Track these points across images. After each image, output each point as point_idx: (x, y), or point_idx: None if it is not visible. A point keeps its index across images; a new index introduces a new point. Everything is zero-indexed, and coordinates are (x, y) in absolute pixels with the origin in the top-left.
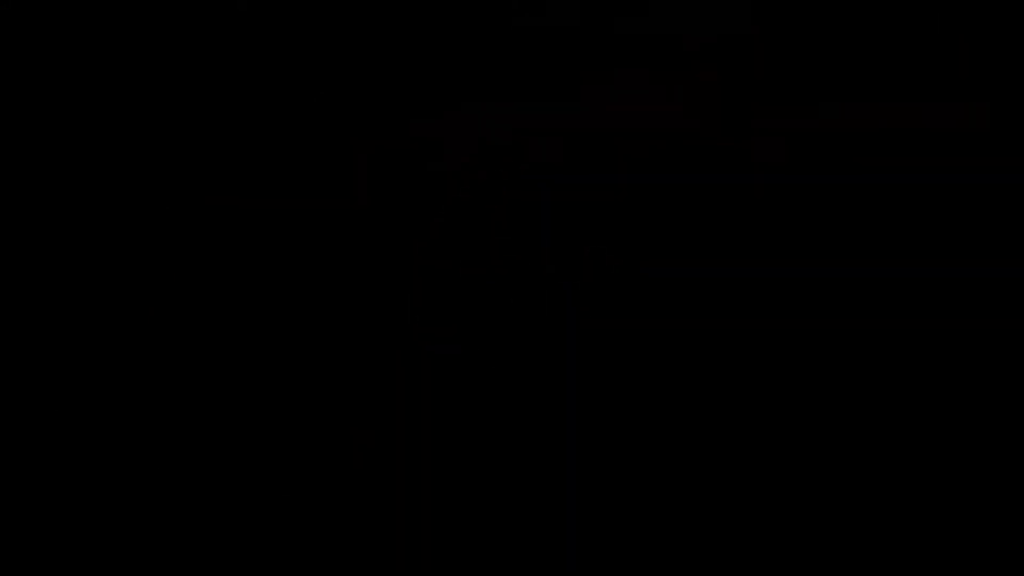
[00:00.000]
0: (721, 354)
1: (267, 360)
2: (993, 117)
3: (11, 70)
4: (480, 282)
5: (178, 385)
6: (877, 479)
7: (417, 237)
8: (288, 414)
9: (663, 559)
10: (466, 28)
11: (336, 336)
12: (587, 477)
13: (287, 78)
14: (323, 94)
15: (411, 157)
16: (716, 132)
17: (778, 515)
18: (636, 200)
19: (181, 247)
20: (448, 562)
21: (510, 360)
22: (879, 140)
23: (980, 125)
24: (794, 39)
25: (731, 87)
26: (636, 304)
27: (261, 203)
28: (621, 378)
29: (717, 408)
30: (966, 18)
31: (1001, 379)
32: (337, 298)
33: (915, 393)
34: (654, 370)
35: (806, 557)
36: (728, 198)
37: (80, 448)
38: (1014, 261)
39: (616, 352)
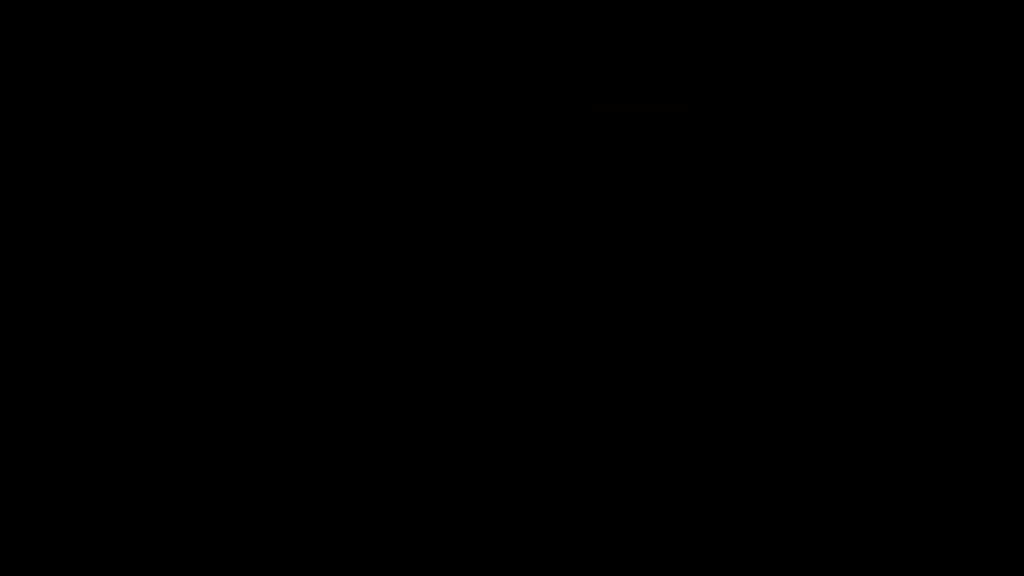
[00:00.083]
0: (721, 354)
1: (267, 360)
2: (993, 117)
3: (11, 70)
4: (480, 282)
5: (178, 385)
6: (877, 479)
7: (417, 237)
8: (288, 414)
9: (663, 559)
10: (466, 28)
11: (336, 336)
12: (587, 477)
13: (287, 78)
14: (323, 94)
15: (411, 157)
16: (716, 132)
17: (778, 515)
18: (636, 200)
19: (181, 247)
20: (448, 562)
21: (510, 360)
22: (879, 140)
23: (980, 125)
24: (794, 39)
25: (731, 87)
26: (636, 304)
27: (261, 203)
28: (621, 378)
29: (717, 408)
30: (966, 18)
31: (1001, 379)
32: (337, 298)
33: (915, 393)
34: (654, 370)
35: (806, 557)
36: (728, 198)
37: (80, 448)
38: (1014, 261)
39: (616, 352)
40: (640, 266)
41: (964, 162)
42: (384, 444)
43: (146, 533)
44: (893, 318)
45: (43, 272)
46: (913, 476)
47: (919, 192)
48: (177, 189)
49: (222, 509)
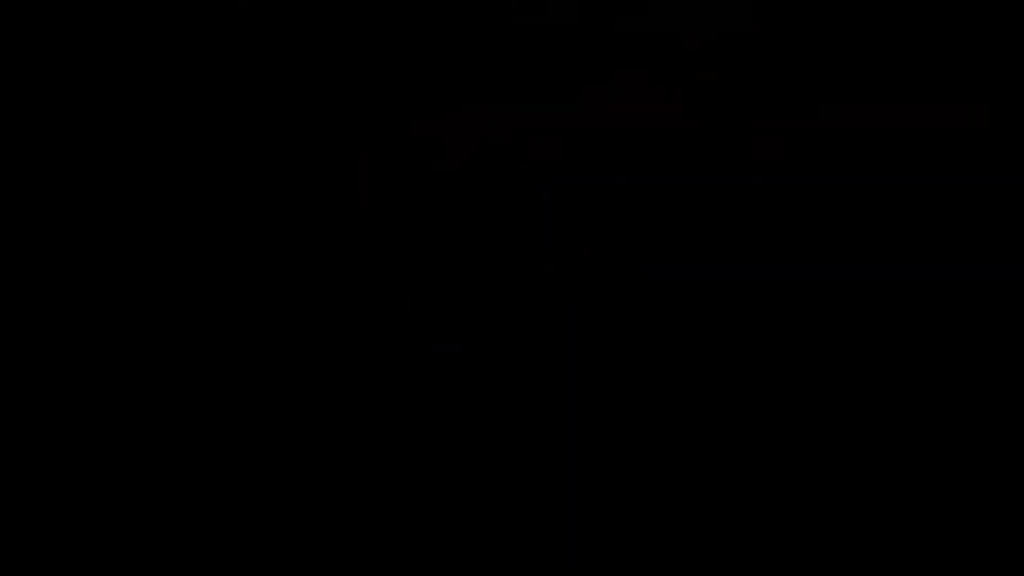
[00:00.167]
0: (721, 354)
1: (267, 360)
2: (993, 117)
3: (11, 70)
4: (480, 282)
5: (178, 385)
6: (877, 479)
7: (417, 237)
8: (289, 414)
9: (663, 559)
10: (466, 28)
11: (336, 336)
12: (587, 477)
13: (287, 78)
14: (323, 94)
15: (411, 157)
16: (716, 132)
17: (778, 515)
18: (636, 200)
19: (181, 247)
20: (448, 562)
21: (510, 360)
22: (879, 140)
23: (980, 125)
24: (794, 39)
25: (731, 87)
26: (636, 304)
27: (261, 203)
28: (621, 378)
29: (717, 408)
30: (966, 18)
31: (1001, 379)
32: (337, 298)
33: (915, 393)
34: (654, 370)
35: (806, 557)
36: (728, 198)
37: (80, 448)
38: (1014, 261)
39: (616, 352)
40: (640, 266)
41: (964, 162)
42: (384, 444)
43: (146, 533)
44: (893, 318)
45: (43, 272)
46: (913, 476)
47: (919, 192)
48: (177, 189)
49: (222, 509)
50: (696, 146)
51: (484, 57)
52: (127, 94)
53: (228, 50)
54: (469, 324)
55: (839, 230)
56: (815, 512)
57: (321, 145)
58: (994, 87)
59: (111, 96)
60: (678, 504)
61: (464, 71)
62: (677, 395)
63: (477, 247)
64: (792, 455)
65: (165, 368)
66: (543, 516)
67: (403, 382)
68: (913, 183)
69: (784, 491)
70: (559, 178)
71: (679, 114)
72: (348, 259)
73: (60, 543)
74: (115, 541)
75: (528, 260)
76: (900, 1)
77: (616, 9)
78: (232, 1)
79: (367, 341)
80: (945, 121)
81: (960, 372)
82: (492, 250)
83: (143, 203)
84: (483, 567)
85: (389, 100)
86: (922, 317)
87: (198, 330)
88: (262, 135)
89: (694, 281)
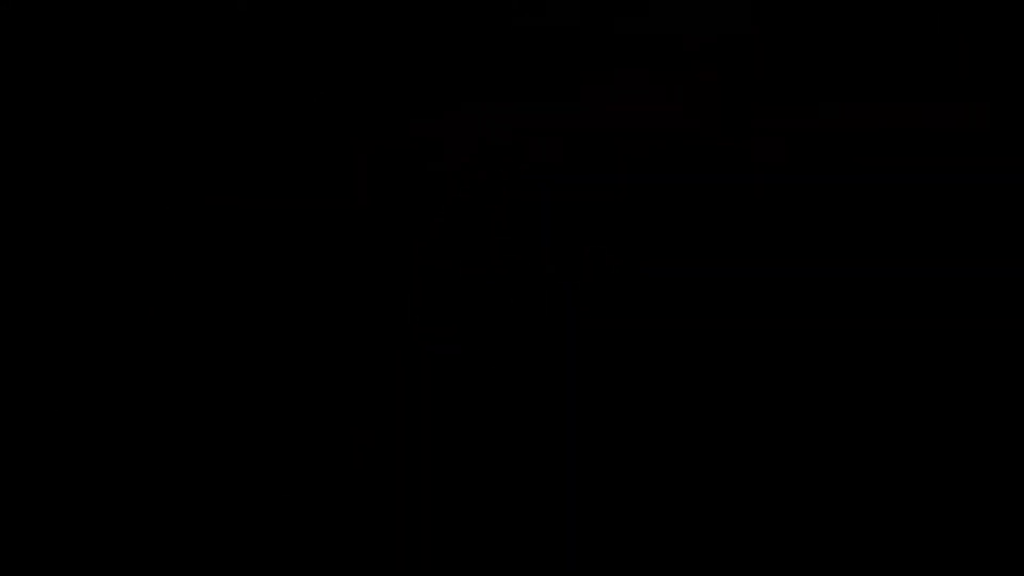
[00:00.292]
0: (721, 354)
1: (267, 360)
2: (993, 117)
3: (11, 70)
4: (480, 282)
5: (178, 385)
6: (877, 479)
7: (417, 237)
8: (289, 414)
9: (663, 559)
10: (466, 28)
11: (336, 336)
12: (587, 477)
13: (287, 78)
14: (323, 94)
15: (411, 157)
16: (716, 132)
17: (778, 515)
18: (636, 200)
19: (181, 247)
20: (448, 562)
21: (510, 360)
22: (879, 140)
23: (980, 125)
24: (794, 39)
25: (731, 87)
26: (636, 304)
27: (261, 203)
28: (621, 378)
29: (717, 408)
30: (966, 18)
31: (1001, 379)
32: (337, 298)
33: (915, 393)
34: (654, 370)
35: (806, 557)
36: (728, 198)
37: (80, 448)
38: (1014, 261)
39: (616, 352)
40: (640, 266)
41: (964, 162)
42: (384, 444)
43: (146, 533)
44: (893, 318)
45: (43, 272)
46: (913, 476)
47: (919, 192)
48: (177, 189)
49: (222, 509)
50: (696, 146)
51: (484, 57)
52: (127, 94)
53: (228, 50)
54: (469, 324)
55: (839, 230)
56: (815, 512)
57: (321, 145)
58: (994, 87)
59: (111, 96)
60: (678, 504)
61: (464, 71)
62: (677, 395)
63: (477, 247)
64: (792, 455)
65: (165, 368)
66: (543, 516)
67: (403, 382)
68: (913, 183)
69: (784, 491)
70: (559, 178)
71: (679, 114)
72: (348, 259)
73: (60, 543)
74: (115, 541)
75: (528, 260)
76: (900, 1)
77: (616, 9)
78: (232, 1)
79: (367, 341)
80: (945, 121)
81: (960, 372)
82: (492, 250)
83: (143, 203)
84: (483, 567)
85: (389, 100)
86: (922, 317)
87: (198, 330)
88: (262, 135)
89: (694, 281)
